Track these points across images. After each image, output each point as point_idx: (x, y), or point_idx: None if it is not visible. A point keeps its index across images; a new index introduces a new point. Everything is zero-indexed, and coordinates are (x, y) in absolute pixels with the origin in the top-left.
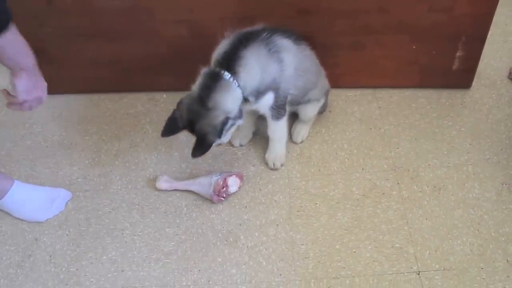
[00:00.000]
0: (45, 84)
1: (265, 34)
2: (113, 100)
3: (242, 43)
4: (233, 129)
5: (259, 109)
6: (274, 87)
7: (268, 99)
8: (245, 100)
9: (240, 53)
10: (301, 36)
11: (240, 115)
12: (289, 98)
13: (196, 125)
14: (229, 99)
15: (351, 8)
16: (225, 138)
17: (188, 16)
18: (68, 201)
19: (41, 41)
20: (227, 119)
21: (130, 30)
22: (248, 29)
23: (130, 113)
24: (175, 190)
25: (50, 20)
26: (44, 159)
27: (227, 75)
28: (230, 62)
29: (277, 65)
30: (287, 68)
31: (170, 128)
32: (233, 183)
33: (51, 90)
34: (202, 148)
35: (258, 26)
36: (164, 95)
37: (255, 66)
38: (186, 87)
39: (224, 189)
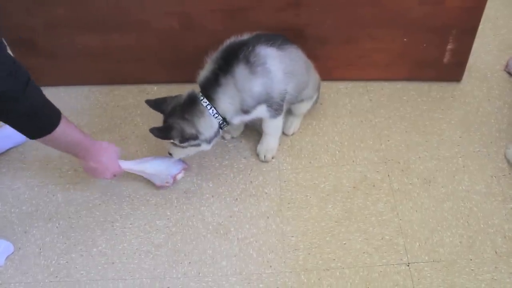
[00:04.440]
0: (106, 169)
1: (248, 49)
2: (104, 93)
3: (222, 69)
4: (195, 150)
5: (256, 117)
6: (265, 99)
7: (261, 110)
8: (226, 122)
9: (220, 80)
10: (286, 40)
11: (210, 140)
12: (287, 98)
13: (170, 118)
14: (202, 124)
15: (342, 1)
16: (185, 151)
17: (179, 8)
18: (9, 255)
19: (30, 32)
20: (197, 136)
21: (121, 22)
22: (233, 42)
23: (120, 106)
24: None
25: (40, 10)
26: (34, 151)
27: (204, 102)
28: (209, 88)
29: (264, 79)
30: (276, 75)
31: (157, 104)
32: (180, 177)
33: (41, 83)
34: (159, 134)
35: (243, 37)
36: (155, 87)
37: (234, 93)
38: (177, 79)
39: (172, 180)
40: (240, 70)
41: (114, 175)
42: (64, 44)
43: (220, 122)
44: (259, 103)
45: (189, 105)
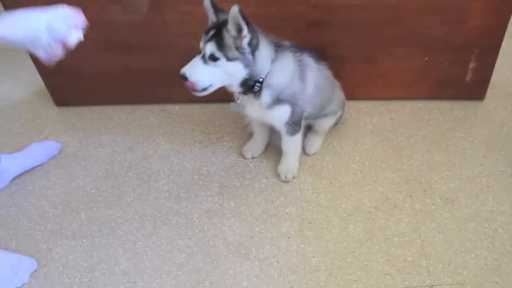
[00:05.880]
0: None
1: (297, 52)
2: (126, 112)
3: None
4: (222, 78)
5: (274, 121)
6: (292, 101)
7: (284, 112)
8: (259, 86)
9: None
10: (321, 57)
11: (246, 80)
12: (305, 114)
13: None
14: (261, 56)
15: (363, 21)
16: (212, 73)
17: (200, 29)
18: (33, 272)
19: None
20: (250, 53)
21: (143, 43)
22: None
23: (143, 125)
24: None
25: None
26: (58, 170)
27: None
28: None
29: (300, 83)
30: (308, 86)
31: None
32: (76, 39)
33: (66, 102)
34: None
35: (287, 43)
36: (177, 107)
37: (289, 70)
38: (199, 100)
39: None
40: (296, 62)
41: None
42: (89, 65)
43: (263, 75)
44: (287, 100)
45: (267, 41)
